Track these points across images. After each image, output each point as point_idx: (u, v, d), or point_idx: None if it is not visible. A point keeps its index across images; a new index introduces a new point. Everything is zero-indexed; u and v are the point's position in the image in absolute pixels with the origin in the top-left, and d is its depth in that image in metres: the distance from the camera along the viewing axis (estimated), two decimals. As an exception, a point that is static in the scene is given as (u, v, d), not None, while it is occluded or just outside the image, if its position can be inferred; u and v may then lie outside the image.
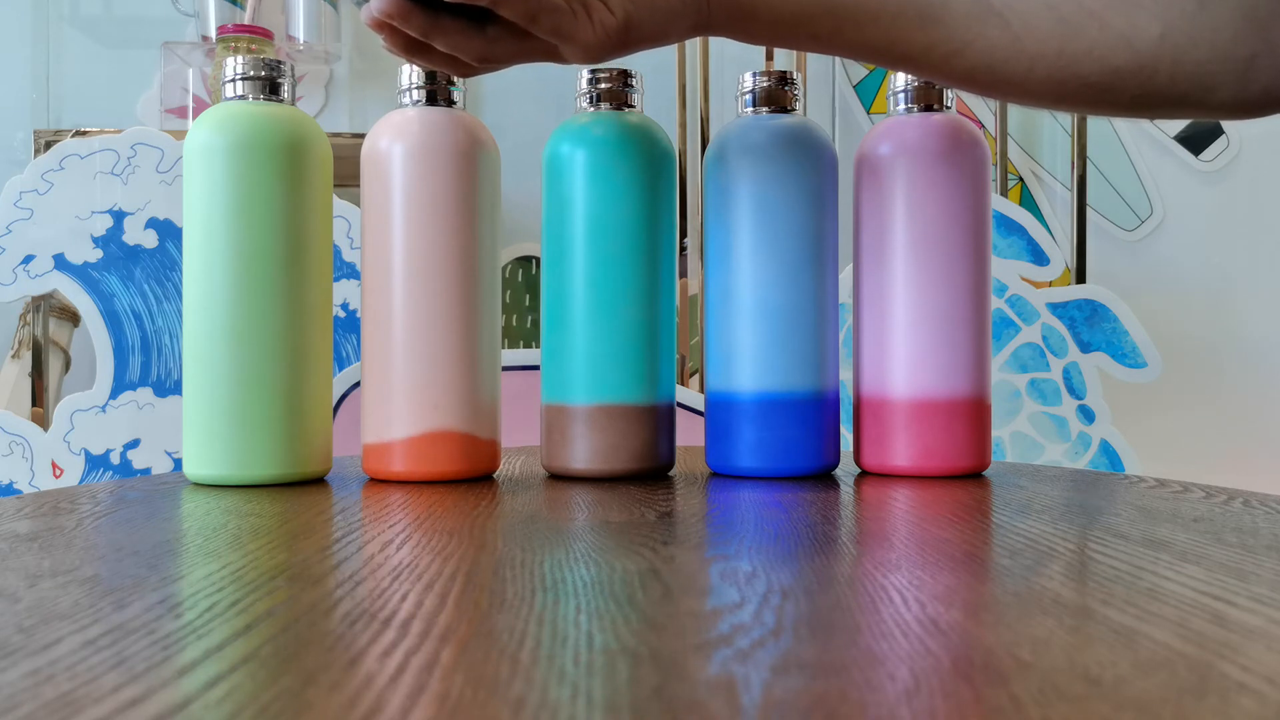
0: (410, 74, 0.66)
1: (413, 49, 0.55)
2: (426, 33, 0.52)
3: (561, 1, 0.51)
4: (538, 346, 1.49)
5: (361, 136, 1.63)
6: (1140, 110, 0.56)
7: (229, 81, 0.65)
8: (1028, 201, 2.12)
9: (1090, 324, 1.49)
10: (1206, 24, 0.52)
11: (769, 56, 1.68)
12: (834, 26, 0.53)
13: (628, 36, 0.52)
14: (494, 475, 0.68)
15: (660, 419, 0.68)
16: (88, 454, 1.38)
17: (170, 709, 0.22)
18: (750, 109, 0.69)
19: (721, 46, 1.74)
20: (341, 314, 1.44)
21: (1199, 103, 0.54)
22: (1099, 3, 0.53)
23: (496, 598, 0.33)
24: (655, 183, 0.67)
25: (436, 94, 0.66)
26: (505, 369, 1.15)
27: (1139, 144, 2.14)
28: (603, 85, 0.68)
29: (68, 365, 1.69)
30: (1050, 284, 1.58)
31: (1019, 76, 0.54)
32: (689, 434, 1.12)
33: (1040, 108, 0.58)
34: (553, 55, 0.54)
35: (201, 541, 0.44)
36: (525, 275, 1.91)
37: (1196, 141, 2.14)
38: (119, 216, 1.40)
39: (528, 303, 1.90)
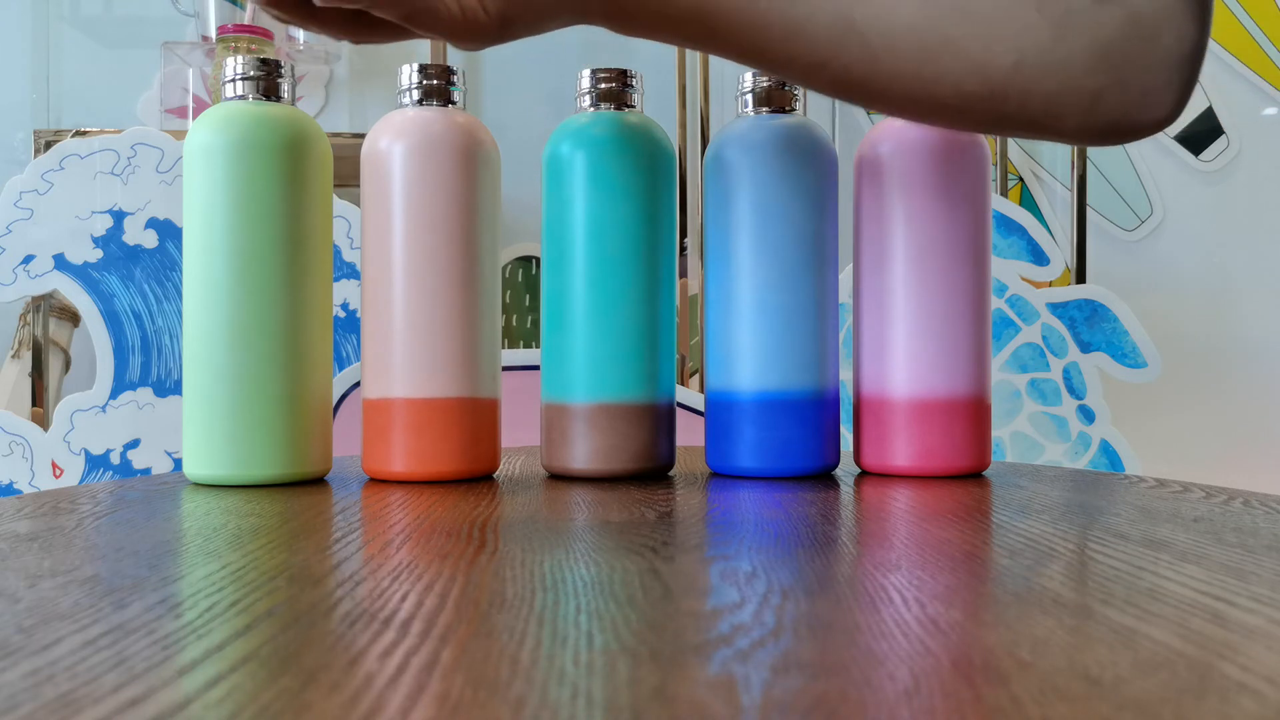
0: (410, 74, 0.66)
1: (290, 8, 0.55)
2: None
3: None
4: (538, 346, 1.49)
5: (361, 136, 1.63)
6: (995, 130, 0.58)
7: (229, 81, 0.65)
8: (1028, 201, 2.12)
9: (1090, 324, 1.49)
10: (1060, 57, 0.54)
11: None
12: (704, 32, 0.54)
13: (506, 26, 0.53)
14: (494, 475, 0.68)
15: (660, 418, 0.68)
16: (88, 454, 1.38)
17: (170, 709, 0.22)
18: (750, 109, 0.69)
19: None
20: (341, 314, 1.44)
21: (1049, 128, 0.56)
22: (959, 31, 0.54)
23: (496, 598, 0.33)
24: (655, 183, 0.67)
25: (436, 94, 0.66)
26: (505, 369, 1.15)
27: (1139, 144, 2.14)
28: (603, 85, 0.68)
29: (68, 365, 1.69)
30: (1050, 284, 1.58)
31: (878, 92, 0.56)
32: (689, 434, 1.12)
33: (901, 119, 0.60)
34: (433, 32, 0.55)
35: (201, 541, 0.44)
36: (525, 275, 1.91)
37: (1196, 141, 2.14)
38: (119, 216, 1.40)
39: (528, 303, 1.90)
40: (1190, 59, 0.55)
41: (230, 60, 0.65)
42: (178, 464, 1.39)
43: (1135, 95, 0.55)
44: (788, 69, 0.56)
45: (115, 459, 1.39)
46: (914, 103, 0.56)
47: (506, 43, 0.54)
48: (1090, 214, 2.08)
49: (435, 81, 0.66)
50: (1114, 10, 0.54)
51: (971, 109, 0.55)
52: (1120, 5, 0.54)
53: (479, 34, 0.53)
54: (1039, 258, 1.51)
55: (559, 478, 0.67)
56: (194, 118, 1.64)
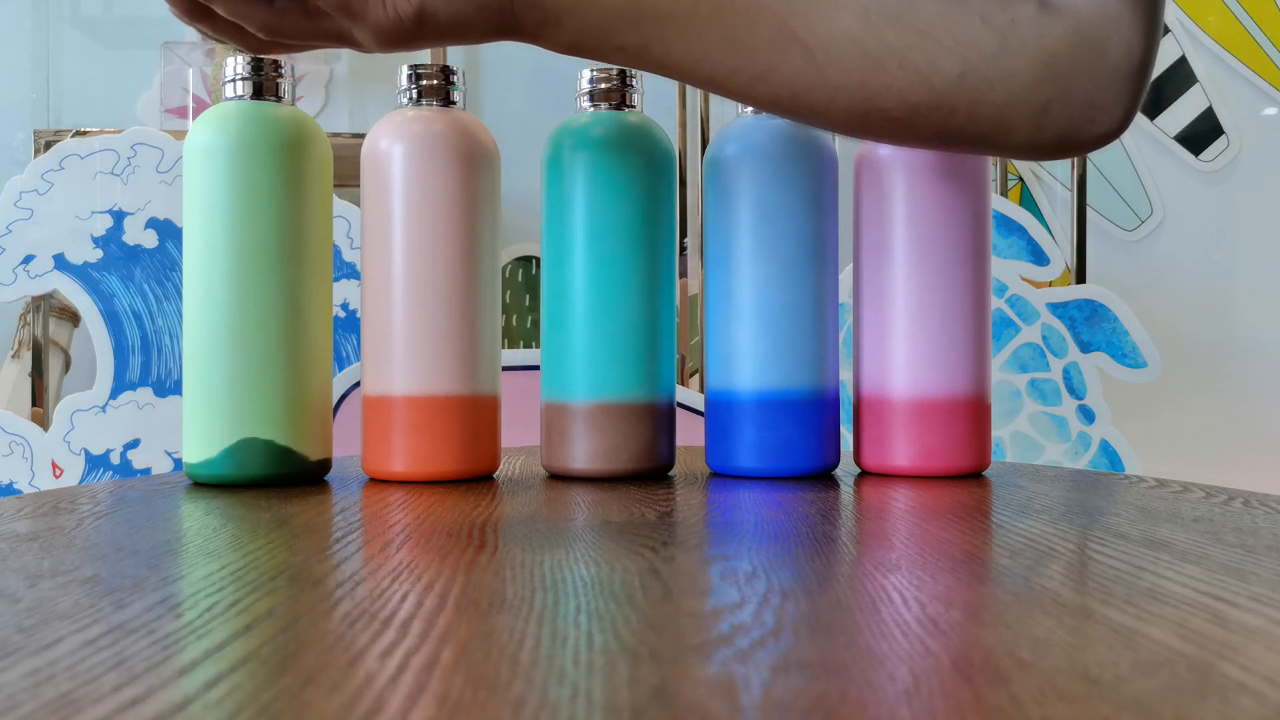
0: (410, 73, 0.66)
1: (195, 12, 0.53)
2: None
3: None
4: (538, 346, 1.49)
5: (361, 136, 1.63)
6: (943, 145, 0.57)
7: (229, 81, 0.65)
8: (1028, 201, 2.12)
9: (1090, 324, 1.49)
10: (1006, 68, 0.54)
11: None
12: (640, 41, 0.54)
13: (423, 25, 0.51)
14: (494, 475, 0.68)
15: (660, 418, 0.68)
16: (88, 454, 1.38)
17: (170, 709, 0.22)
18: (750, 109, 0.69)
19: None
20: (341, 314, 1.44)
21: (998, 143, 0.56)
22: (901, 40, 0.53)
23: (496, 598, 0.33)
24: (655, 183, 0.67)
25: (436, 94, 0.66)
26: (505, 369, 1.16)
27: (1139, 144, 2.14)
28: (602, 85, 0.68)
29: (68, 365, 1.69)
30: (1050, 284, 1.58)
31: (821, 106, 0.55)
32: (689, 434, 1.12)
33: (846, 136, 0.60)
34: (346, 39, 0.53)
35: (201, 541, 0.44)
36: (525, 275, 1.91)
37: (1196, 141, 2.14)
38: (119, 216, 1.40)
39: (528, 303, 1.90)
40: (1138, 72, 0.55)
41: (230, 60, 0.65)
42: (178, 464, 1.39)
43: (1083, 108, 0.55)
44: (729, 82, 0.55)
45: (115, 459, 1.39)
46: (860, 116, 0.55)
47: (418, 47, 0.53)
48: (1090, 214, 2.08)
49: (435, 81, 0.66)
50: (1060, 22, 0.54)
51: (919, 122, 0.55)
52: (1066, 17, 0.54)
53: (396, 25, 0.51)
54: (1039, 258, 1.51)
55: (559, 478, 0.67)
56: (194, 118, 1.64)
